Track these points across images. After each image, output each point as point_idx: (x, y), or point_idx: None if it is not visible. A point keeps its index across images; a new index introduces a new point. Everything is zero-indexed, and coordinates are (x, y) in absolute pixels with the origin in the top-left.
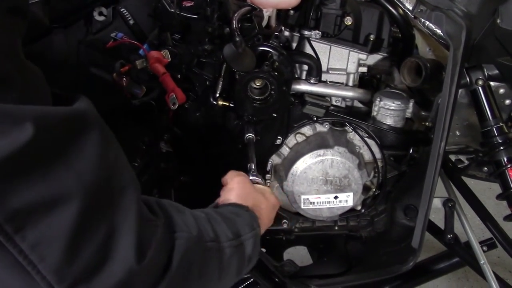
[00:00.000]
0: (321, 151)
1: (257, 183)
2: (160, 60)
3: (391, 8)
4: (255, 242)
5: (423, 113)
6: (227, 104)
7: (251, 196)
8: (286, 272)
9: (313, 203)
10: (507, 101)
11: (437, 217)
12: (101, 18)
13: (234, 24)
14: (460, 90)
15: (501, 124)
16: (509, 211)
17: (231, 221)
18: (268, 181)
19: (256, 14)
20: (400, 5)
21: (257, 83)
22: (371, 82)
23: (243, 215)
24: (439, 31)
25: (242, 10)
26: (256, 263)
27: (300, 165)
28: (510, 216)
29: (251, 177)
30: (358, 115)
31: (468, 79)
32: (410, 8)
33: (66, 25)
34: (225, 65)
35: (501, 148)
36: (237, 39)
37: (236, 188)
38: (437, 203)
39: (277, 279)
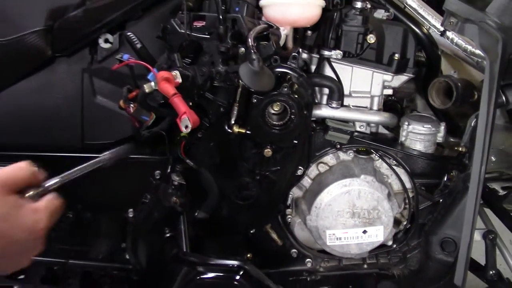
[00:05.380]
0: (347, 181)
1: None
2: (170, 80)
3: (414, 28)
4: None
5: (451, 139)
6: (243, 131)
7: None
8: None
9: (340, 238)
10: None
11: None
12: (107, 46)
13: (250, 41)
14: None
15: None
16: None
17: None
18: (289, 216)
19: (273, 32)
20: (426, 23)
21: (275, 108)
22: (395, 107)
23: None
24: (470, 47)
25: (258, 28)
26: None
27: (325, 197)
28: None
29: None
30: (385, 142)
31: (504, 98)
32: (437, 25)
33: (70, 54)
34: (240, 90)
35: None
36: (254, 56)
37: None
38: (475, 235)
39: None
